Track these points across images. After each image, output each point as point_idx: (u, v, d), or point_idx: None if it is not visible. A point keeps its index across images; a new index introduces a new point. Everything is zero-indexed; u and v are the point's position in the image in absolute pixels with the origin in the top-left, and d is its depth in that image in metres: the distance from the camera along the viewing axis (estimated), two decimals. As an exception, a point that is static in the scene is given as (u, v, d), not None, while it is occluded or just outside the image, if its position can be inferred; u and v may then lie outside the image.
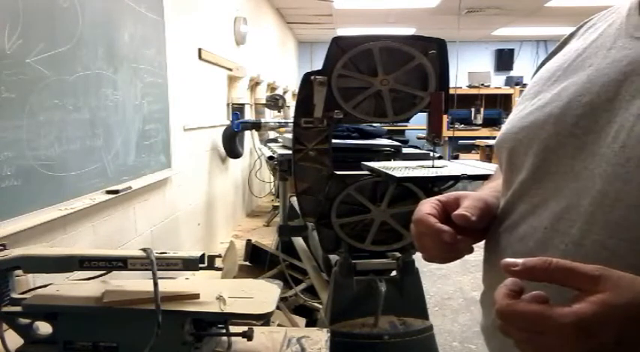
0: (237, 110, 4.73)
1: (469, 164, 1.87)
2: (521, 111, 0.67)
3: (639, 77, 0.54)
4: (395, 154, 2.27)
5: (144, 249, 0.95)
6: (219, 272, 2.20)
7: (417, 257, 2.08)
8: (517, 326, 0.46)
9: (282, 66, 8.23)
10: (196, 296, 0.98)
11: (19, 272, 1.01)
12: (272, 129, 4.41)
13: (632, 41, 0.57)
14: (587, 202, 0.54)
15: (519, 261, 0.47)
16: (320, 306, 2.56)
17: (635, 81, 0.54)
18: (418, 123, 4.53)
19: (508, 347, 0.53)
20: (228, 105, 4.77)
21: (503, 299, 0.46)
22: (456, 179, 1.73)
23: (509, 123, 0.68)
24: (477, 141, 7.80)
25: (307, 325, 2.71)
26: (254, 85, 6.09)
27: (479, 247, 0.72)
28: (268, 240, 3.96)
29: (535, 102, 0.64)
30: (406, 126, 9.04)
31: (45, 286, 1.05)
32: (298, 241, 2.93)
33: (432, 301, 3.49)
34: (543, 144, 0.60)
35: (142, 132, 2.58)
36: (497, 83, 10.47)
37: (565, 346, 0.44)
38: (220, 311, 0.95)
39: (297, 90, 2.02)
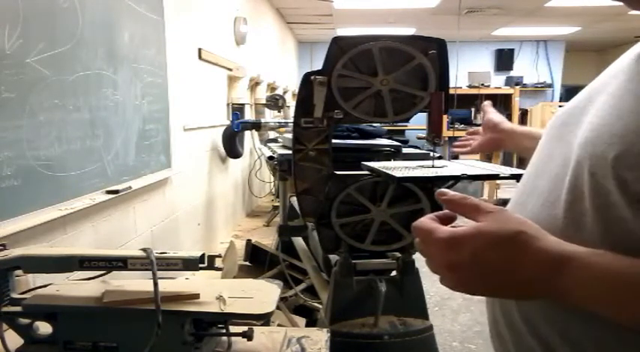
0: (237, 110, 4.73)
1: (469, 164, 1.87)
2: None
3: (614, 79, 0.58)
4: (395, 154, 2.27)
5: (144, 249, 0.95)
6: (219, 272, 2.20)
7: (417, 257, 2.08)
8: (420, 238, 0.57)
9: (282, 66, 8.23)
10: (196, 296, 0.98)
11: (19, 272, 1.01)
12: (272, 129, 4.41)
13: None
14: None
15: (449, 191, 0.58)
16: (320, 306, 2.56)
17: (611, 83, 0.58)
18: (418, 123, 4.53)
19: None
20: (228, 105, 4.77)
21: (422, 218, 0.58)
22: (456, 179, 1.72)
23: None
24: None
25: (307, 325, 2.71)
26: (254, 85, 6.09)
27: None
28: (268, 240, 3.96)
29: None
30: (406, 126, 9.05)
31: (45, 286, 1.05)
32: (298, 241, 2.93)
33: (432, 301, 3.49)
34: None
35: (141, 132, 2.58)
36: (497, 83, 10.46)
37: (437, 256, 0.55)
38: (220, 311, 0.95)
39: (297, 91, 2.02)
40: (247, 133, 4.83)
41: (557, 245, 0.51)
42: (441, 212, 0.59)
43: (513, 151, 1.42)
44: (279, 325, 2.36)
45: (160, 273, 0.92)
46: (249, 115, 5.37)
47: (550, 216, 0.58)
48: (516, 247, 0.51)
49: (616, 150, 0.50)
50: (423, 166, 1.78)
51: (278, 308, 1.39)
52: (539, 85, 10.63)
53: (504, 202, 0.70)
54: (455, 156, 3.19)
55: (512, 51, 10.68)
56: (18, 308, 0.98)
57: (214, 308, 0.96)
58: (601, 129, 0.53)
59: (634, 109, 0.51)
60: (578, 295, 0.49)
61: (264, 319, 0.99)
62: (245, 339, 0.99)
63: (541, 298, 0.53)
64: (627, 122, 0.51)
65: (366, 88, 1.91)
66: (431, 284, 3.77)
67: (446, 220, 0.58)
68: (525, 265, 0.51)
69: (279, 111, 5.17)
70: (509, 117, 10.17)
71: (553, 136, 0.66)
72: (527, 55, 10.75)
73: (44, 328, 1.01)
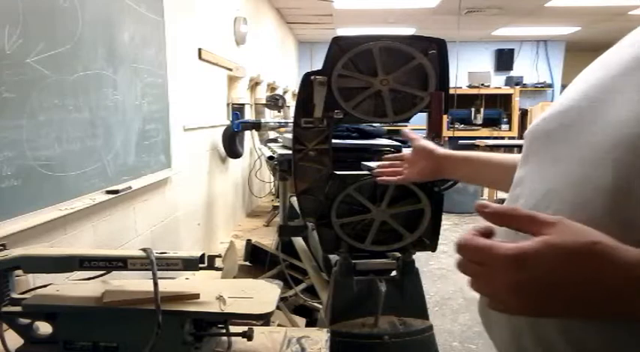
0: (237, 110, 4.73)
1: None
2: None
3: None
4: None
5: (144, 249, 0.95)
6: (219, 272, 2.20)
7: (417, 257, 2.08)
8: (468, 257, 0.50)
9: (282, 66, 8.23)
10: (196, 296, 0.98)
11: (19, 272, 1.01)
12: (272, 129, 4.41)
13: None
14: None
15: (491, 204, 0.51)
16: (320, 306, 2.56)
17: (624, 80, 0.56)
18: (418, 123, 4.53)
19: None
20: (228, 105, 4.78)
21: (464, 235, 0.51)
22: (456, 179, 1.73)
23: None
24: (477, 141, 7.79)
25: (307, 325, 2.71)
26: (254, 85, 6.09)
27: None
28: (268, 240, 3.96)
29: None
30: (406, 126, 9.03)
31: (45, 286, 1.05)
32: (298, 241, 2.93)
33: (432, 301, 3.50)
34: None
35: (142, 132, 2.58)
36: (497, 83, 10.47)
37: (503, 277, 0.47)
38: (220, 311, 0.95)
39: (297, 91, 2.02)
40: (247, 133, 4.83)
41: (636, 253, 0.46)
42: (481, 226, 0.52)
43: (452, 178, 1.33)
44: (279, 325, 2.36)
45: (160, 273, 0.92)
46: (249, 115, 5.37)
47: (588, 217, 0.53)
48: (595, 260, 0.46)
49: None
50: (423, 166, 1.78)
51: (278, 308, 1.39)
52: (539, 85, 10.63)
53: (503, 201, 0.68)
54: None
55: (512, 51, 10.68)
56: (18, 308, 0.98)
57: (214, 308, 0.96)
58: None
59: None
60: None
61: (264, 319, 0.99)
62: (245, 339, 0.99)
63: (625, 316, 0.48)
64: None
65: (366, 88, 1.91)
66: (431, 284, 3.78)
67: (487, 235, 0.51)
68: (605, 279, 0.46)
69: (279, 111, 5.17)
70: (509, 117, 10.19)
71: (546, 139, 0.63)
72: (527, 55, 10.75)
73: (44, 328, 1.01)
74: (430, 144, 1.17)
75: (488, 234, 0.52)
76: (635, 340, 0.49)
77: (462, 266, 0.51)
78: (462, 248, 0.50)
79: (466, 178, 1.21)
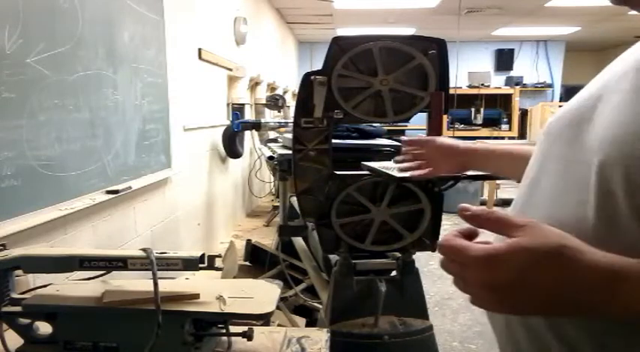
0: (237, 110, 4.73)
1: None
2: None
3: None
4: (395, 154, 2.26)
5: (144, 249, 0.95)
6: (219, 272, 2.20)
7: (417, 257, 2.08)
8: (448, 257, 0.53)
9: (282, 66, 8.23)
10: (196, 296, 0.98)
11: (19, 272, 1.01)
12: (272, 129, 4.41)
13: None
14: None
15: (471, 207, 0.53)
16: (320, 306, 2.56)
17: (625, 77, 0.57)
18: (418, 123, 4.53)
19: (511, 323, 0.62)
20: (228, 105, 4.78)
21: (446, 236, 0.53)
22: (456, 179, 1.72)
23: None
24: (477, 141, 7.80)
25: (307, 325, 2.71)
26: (254, 85, 6.09)
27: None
28: (268, 240, 3.96)
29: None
30: (406, 126, 9.05)
31: (45, 286, 1.05)
32: (298, 241, 2.93)
33: (432, 301, 3.49)
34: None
35: (142, 132, 2.58)
36: (497, 83, 10.47)
37: (475, 277, 0.50)
38: (220, 311, 0.95)
39: (297, 91, 2.02)
40: (247, 133, 4.83)
41: (604, 258, 0.49)
42: (464, 228, 0.55)
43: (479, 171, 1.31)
44: (279, 325, 2.36)
45: (160, 273, 0.92)
46: (249, 115, 5.38)
47: (576, 217, 0.56)
48: (562, 262, 0.48)
49: None
50: (423, 166, 1.78)
51: (278, 308, 1.39)
52: (539, 85, 10.63)
53: (504, 202, 0.69)
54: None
55: (512, 51, 10.68)
56: (18, 308, 0.98)
57: (214, 308, 0.95)
58: (628, 128, 0.52)
59: None
60: (631, 307, 0.47)
61: (264, 319, 0.99)
62: (245, 339, 0.99)
63: (589, 315, 0.51)
64: None
65: (366, 88, 1.91)
66: (431, 284, 3.78)
67: (469, 236, 0.54)
68: (571, 281, 0.48)
69: (279, 111, 5.17)
70: (509, 117, 10.20)
71: (557, 137, 0.64)
72: (527, 55, 10.75)
73: (44, 328, 1.00)
74: (448, 140, 1.17)
75: (470, 235, 0.54)
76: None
77: (444, 266, 0.54)
78: (442, 248, 0.53)
79: (493, 171, 1.19)
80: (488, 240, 0.54)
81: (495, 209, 0.64)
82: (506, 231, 0.51)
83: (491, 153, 1.09)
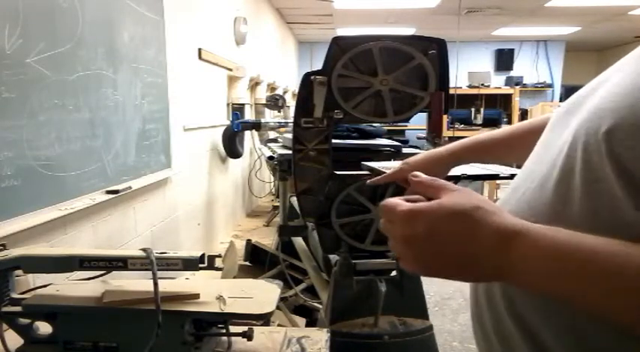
0: (237, 110, 4.73)
1: (469, 164, 1.87)
2: None
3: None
4: (395, 154, 2.27)
5: (144, 249, 0.95)
6: (219, 272, 2.20)
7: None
8: (384, 217, 0.55)
9: (282, 66, 8.23)
10: (196, 296, 0.98)
11: (19, 272, 1.01)
12: (272, 129, 4.41)
13: None
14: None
15: (421, 174, 0.57)
16: (320, 306, 2.56)
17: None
18: (418, 123, 4.53)
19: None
20: (228, 105, 4.78)
21: (389, 198, 0.56)
22: (456, 179, 1.72)
23: None
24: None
25: (307, 325, 2.71)
26: (254, 85, 6.09)
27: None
28: (268, 240, 3.96)
29: None
30: (406, 126, 9.04)
31: (45, 286, 1.05)
32: (298, 241, 2.93)
33: (432, 301, 3.49)
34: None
35: (142, 132, 2.58)
36: (497, 83, 10.46)
37: (398, 231, 0.53)
38: (220, 311, 0.95)
39: (297, 91, 2.02)
40: (247, 133, 4.83)
41: (510, 220, 0.50)
42: (412, 195, 0.56)
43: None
44: (279, 325, 2.36)
45: (159, 273, 0.92)
46: (249, 115, 5.38)
47: (541, 195, 0.57)
48: (471, 221, 0.50)
49: (607, 124, 0.50)
50: (423, 166, 1.78)
51: (278, 308, 1.39)
52: (539, 85, 10.63)
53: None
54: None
55: (512, 51, 10.68)
56: (18, 308, 0.98)
57: (214, 308, 0.95)
58: (598, 108, 0.53)
59: (630, 87, 0.51)
60: (521, 270, 0.48)
61: (264, 319, 0.99)
62: (245, 339, 0.99)
63: (492, 279, 0.52)
64: (623, 98, 0.50)
65: (366, 88, 1.91)
66: (431, 284, 3.78)
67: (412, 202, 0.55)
68: (476, 239, 0.49)
69: (279, 111, 5.17)
70: (509, 117, 10.20)
71: (556, 125, 0.65)
72: (527, 55, 10.75)
73: (44, 328, 1.00)
74: (422, 155, 1.11)
75: (413, 201, 0.55)
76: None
77: (382, 226, 0.56)
78: (381, 208, 0.56)
79: (491, 161, 1.27)
80: (417, 196, 0.56)
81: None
82: (435, 193, 0.54)
83: (482, 147, 1.08)
